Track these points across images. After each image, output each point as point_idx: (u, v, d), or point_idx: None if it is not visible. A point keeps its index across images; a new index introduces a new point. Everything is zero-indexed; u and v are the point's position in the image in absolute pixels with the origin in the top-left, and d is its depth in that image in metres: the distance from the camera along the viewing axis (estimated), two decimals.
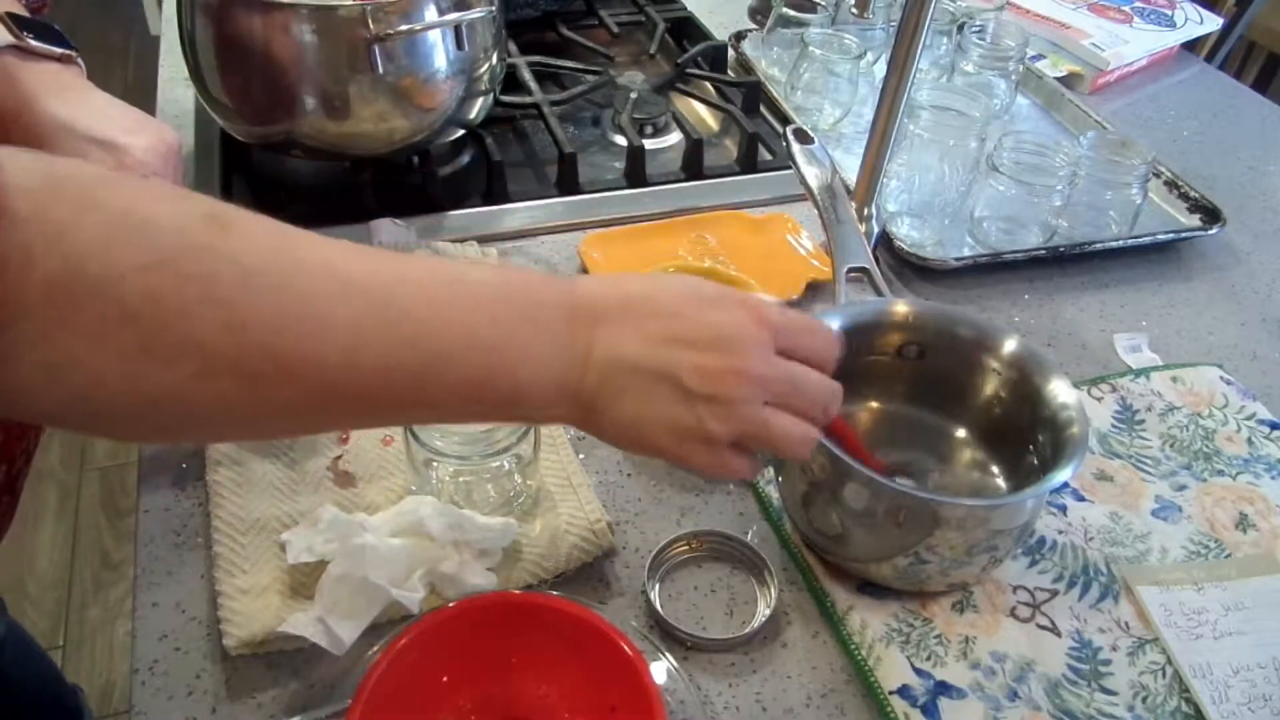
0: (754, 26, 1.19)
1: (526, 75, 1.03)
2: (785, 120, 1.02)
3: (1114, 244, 0.89)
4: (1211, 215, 0.94)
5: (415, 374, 0.40)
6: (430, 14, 0.78)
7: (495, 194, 0.90)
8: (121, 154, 0.62)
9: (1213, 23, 1.30)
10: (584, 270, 0.83)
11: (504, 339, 0.42)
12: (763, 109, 1.06)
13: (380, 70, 0.77)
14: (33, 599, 1.68)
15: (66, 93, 0.63)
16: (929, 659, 0.56)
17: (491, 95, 0.89)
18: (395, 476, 0.64)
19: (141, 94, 0.89)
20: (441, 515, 0.57)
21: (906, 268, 0.86)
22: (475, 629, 0.51)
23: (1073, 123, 1.08)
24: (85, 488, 1.87)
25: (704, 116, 1.08)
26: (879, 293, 0.76)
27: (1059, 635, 0.58)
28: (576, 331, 0.43)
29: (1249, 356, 0.81)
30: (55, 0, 0.72)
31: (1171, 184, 0.98)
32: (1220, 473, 0.69)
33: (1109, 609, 0.60)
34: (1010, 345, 0.63)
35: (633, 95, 1.01)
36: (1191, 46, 1.30)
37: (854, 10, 1.15)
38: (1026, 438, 0.62)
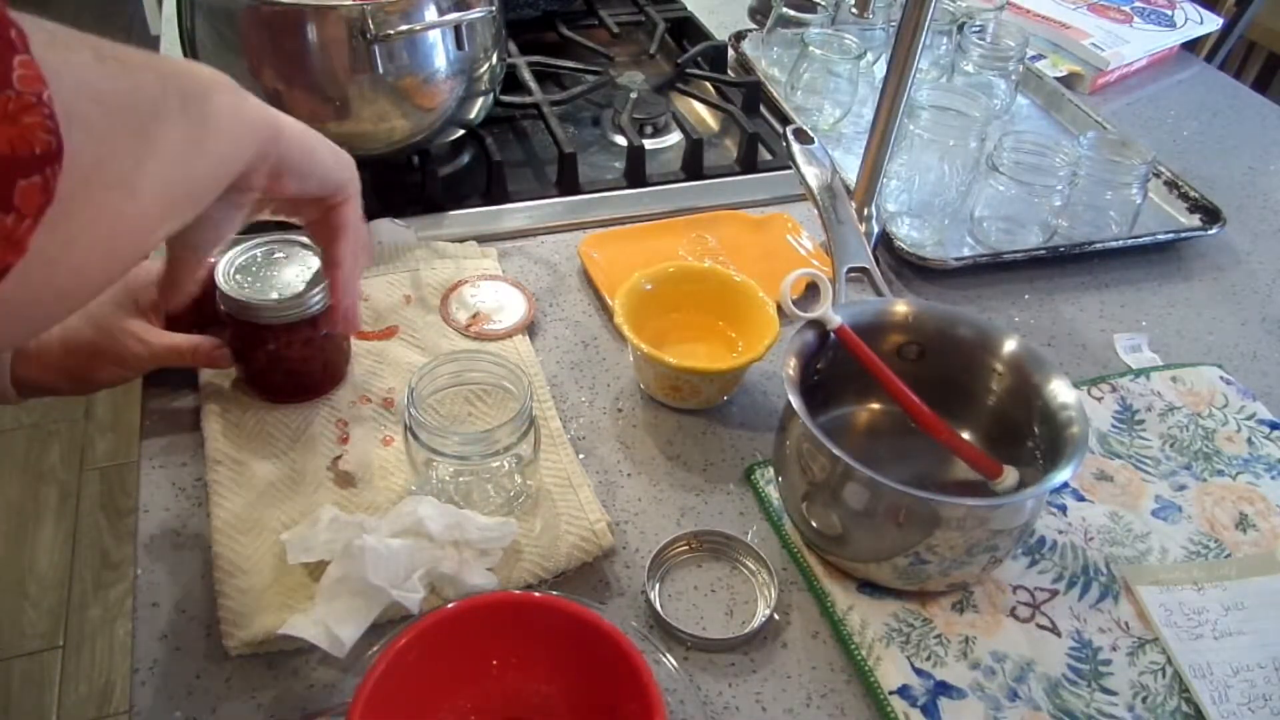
0: (754, 26, 1.19)
1: (526, 75, 1.03)
2: (785, 120, 1.02)
3: (1114, 244, 0.89)
4: (1211, 215, 0.94)
5: None
6: (430, 14, 0.78)
7: (495, 194, 0.90)
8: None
9: (1213, 23, 1.30)
10: (584, 272, 0.83)
11: None
12: (763, 109, 1.06)
13: (380, 70, 0.77)
14: (33, 599, 1.68)
15: None
16: (929, 659, 0.56)
17: (491, 95, 0.89)
18: (395, 476, 0.64)
19: None
20: (441, 515, 0.57)
21: (906, 268, 0.86)
22: (475, 629, 0.51)
23: (1073, 123, 1.08)
24: (85, 488, 1.87)
25: (704, 116, 1.08)
26: (879, 293, 0.76)
27: (1059, 635, 0.58)
28: None
29: (1249, 356, 0.81)
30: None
31: (1171, 184, 0.98)
32: (1220, 473, 0.69)
33: (1109, 609, 0.60)
34: (1010, 345, 0.63)
35: (633, 95, 1.01)
36: (1191, 46, 1.30)
37: (854, 10, 1.15)
38: (1026, 438, 0.62)
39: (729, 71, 1.13)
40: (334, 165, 0.56)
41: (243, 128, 0.48)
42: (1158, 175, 0.98)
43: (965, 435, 0.65)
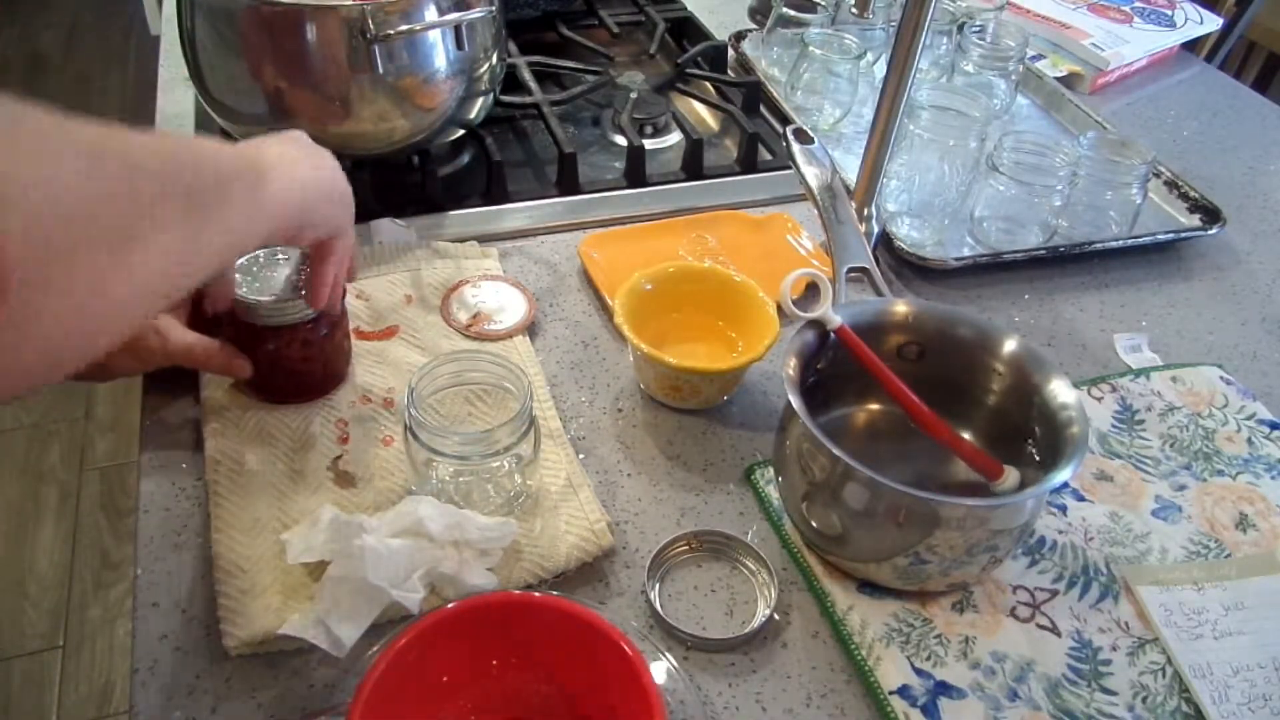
0: (754, 26, 1.19)
1: (526, 75, 1.03)
2: (785, 120, 1.02)
3: (1114, 244, 0.89)
4: (1211, 215, 0.94)
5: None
6: (430, 14, 0.78)
7: (495, 194, 0.90)
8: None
9: (1213, 23, 1.30)
10: (584, 272, 0.83)
11: None
12: (763, 109, 1.06)
13: (380, 70, 0.77)
14: (33, 599, 1.68)
15: None
16: (929, 659, 0.56)
17: (491, 95, 0.89)
18: (395, 476, 0.64)
19: (141, 94, 0.90)
20: (441, 515, 0.57)
21: (906, 268, 0.86)
22: (475, 629, 0.51)
23: (1073, 123, 1.08)
24: (85, 488, 1.87)
25: (704, 116, 1.08)
26: (879, 293, 0.76)
27: (1059, 635, 0.58)
28: None
29: (1249, 356, 0.81)
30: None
31: (1171, 184, 0.98)
32: (1220, 473, 0.69)
33: (1109, 609, 0.60)
34: (1010, 345, 0.63)
35: (633, 95, 1.01)
36: (1191, 46, 1.30)
37: (854, 10, 1.15)
38: (1026, 438, 0.62)
39: (729, 71, 1.13)
40: (345, 212, 0.61)
41: (261, 215, 0.49)
42: (1158, 175, 0.98)
43: (965, 435, 0.65)
